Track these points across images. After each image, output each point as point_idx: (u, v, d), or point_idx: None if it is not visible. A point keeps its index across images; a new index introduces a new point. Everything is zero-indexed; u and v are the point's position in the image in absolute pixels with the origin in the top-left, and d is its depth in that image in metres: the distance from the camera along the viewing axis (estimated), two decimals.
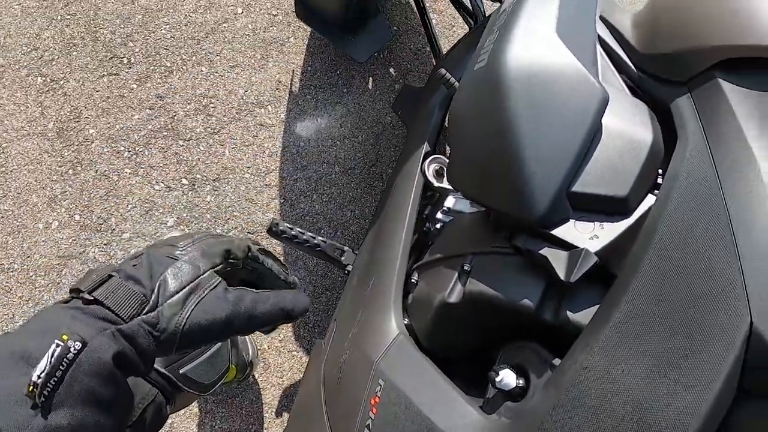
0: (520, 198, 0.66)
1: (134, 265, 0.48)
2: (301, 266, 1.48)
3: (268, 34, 1.63)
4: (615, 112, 0.70)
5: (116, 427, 0.41)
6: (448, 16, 1.79)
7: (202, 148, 1.50)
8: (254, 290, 0.52)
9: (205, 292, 0.48)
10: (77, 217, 1.40)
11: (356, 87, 1.65)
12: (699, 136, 0.63)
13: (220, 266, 0.51)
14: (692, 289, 0.52)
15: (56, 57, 1.50)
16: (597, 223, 0.65)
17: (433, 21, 1.78)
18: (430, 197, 1.05)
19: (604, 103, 0.67)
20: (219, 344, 1.10)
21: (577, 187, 0.65)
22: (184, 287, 0.47)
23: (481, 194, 0.76)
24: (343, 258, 1.18)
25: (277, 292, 0.55)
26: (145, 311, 0.44)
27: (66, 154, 1.43)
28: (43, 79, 1.48)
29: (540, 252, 0.64)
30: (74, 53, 1.51)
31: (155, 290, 0.46)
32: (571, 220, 0.65)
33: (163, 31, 1.57)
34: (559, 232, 0.65)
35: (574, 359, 0.56)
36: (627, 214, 0.65)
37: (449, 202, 0.94)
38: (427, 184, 1.02)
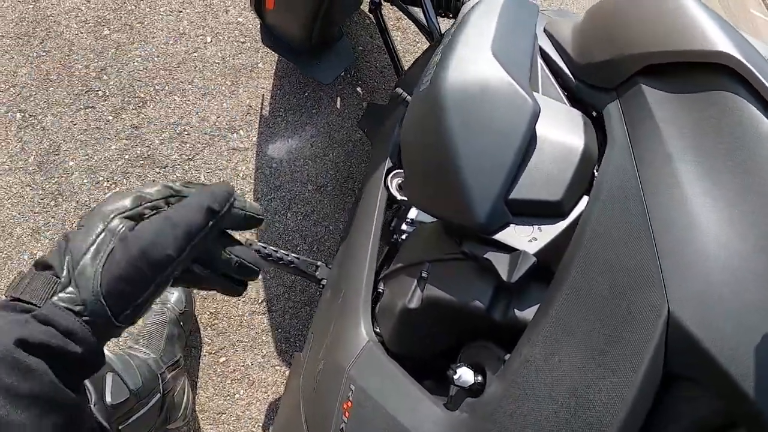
0: (463, 207, 0.68)
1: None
2: (279, 283, 1.50)
3: (237, 61, 1.66)
4: (549, 121, 0.72)
5: (41, 425, 0.36)
6: (413, 33, 1.83)
7: (179, 174, 1.53)
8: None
9: (113, 241, 0.42)
10: None
11: (325, 107, 1.68)
12: (624, 139, 0.65)
13: (129, 211, 0.44)
14: (616, 282, 0.54)
15: (34, 93, 1.52)
16: (535, 226, 0.67)
17: (398, 39, 1.82)
18: (396, 210, 1.05)
19: (535, 115, 0.69)
20: (156, 398, 1.04)
21: (514, 194, 0.68)
22: (90, 247, 0.41)
23: (431, 206, 0.79)
24: (317, 273, 1.19)
25: (194, 192, 0.47)
26: (58, 291, 0.40)
27: (47, 186, 1.45)
28: (22, 114, 1.49)
29: (485, 256, 0.66)
30: (51, 88, 1.53)
31: (64, 266, 0.41)
32: (511, 224, 0.67)
33: (135, 64, 1.60)
34: (501, 236, 0.67)
35: (519, 353, 0.59)
36: (563, 216, 0.67)
37: (412, 213, 0.96)
38: (391, 198, 1.03)
